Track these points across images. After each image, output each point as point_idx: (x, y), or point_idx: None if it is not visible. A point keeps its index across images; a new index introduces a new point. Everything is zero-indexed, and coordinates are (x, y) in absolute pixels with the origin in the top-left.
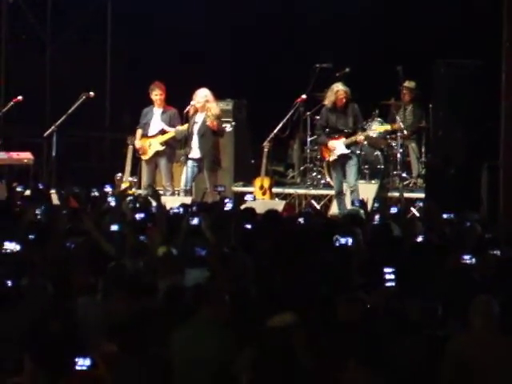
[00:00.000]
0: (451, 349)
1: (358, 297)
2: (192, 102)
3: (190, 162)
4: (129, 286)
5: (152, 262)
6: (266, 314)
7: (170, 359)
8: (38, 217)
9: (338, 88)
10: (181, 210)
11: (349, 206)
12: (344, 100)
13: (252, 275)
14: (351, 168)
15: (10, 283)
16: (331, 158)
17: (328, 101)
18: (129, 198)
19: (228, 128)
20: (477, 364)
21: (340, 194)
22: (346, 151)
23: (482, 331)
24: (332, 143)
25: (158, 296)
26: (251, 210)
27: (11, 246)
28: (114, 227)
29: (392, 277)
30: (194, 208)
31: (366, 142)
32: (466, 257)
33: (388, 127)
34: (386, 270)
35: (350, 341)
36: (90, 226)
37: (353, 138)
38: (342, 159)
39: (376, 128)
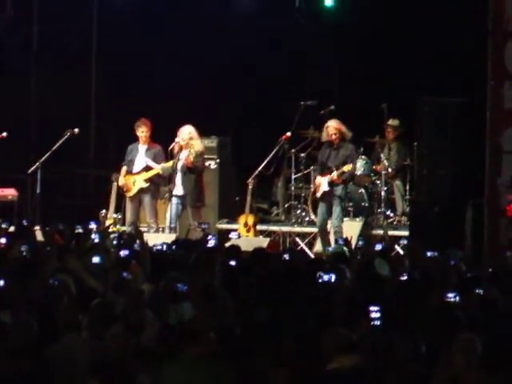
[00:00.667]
0: None
1: (342, 332)
2: (176, 139)
3: (174, 199)
4: (121, 323)
5: (136, 299)
6: (250, 351)
7: None
8: (24, 253)
9: (328, 124)
10: (164, 247)
11: (333, 244)
12: (334, 136)
13: (234, 312)
14: (335, 209)
15: None
16: (318, 195)
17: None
18: (113, 235)
19: (212, 165)
20: None
21: (323, 232)
22: (327, 189)
23: (465, 369)
24: (318, 179)
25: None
26: (236, 248)
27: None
28: (96, 259)
29: (377, 315)
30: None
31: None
32: (450, 295)
33: (350, 167)
34: (372, 308)
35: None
36: (74, 264)
37: (329, 177)
38: (327, 197)
39: (345, 168)
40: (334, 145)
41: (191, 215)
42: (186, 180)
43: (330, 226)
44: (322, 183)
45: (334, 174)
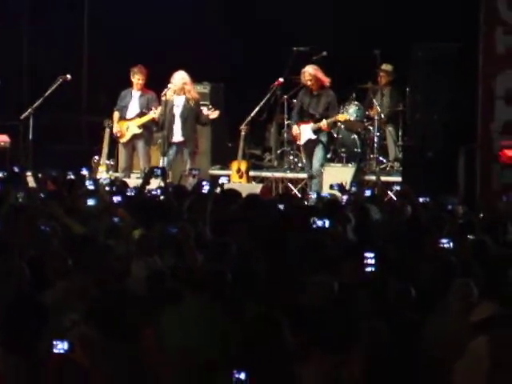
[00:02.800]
0: (428, 333)
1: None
2: (169, 85)
3: (173, 147)
4: (112, 269)
5: (126, 244)
6: (244, 299)
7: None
8: (20, 200)
9: (304, 70)
10: (158, 191)
11: (326, 189)
12: (309, 83)
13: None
14: (317, 153)
15: None
16: (300, 142)
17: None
18: (105, 181)
19: (212, 115)
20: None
21: (312, 177)
22: (313, 137)
23: (460, 315)
24: (295, 128)
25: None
26: (235, 192)
27: None
28: (91, 202)
29: (372, 261)
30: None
31: (342, 126)
32: (444, 241)
33: (346, 117)
34: (367, 254)
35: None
36: (57, 212)
37: (317, 125)
38: (311, 144)
39: (340, 117)
40: (314, 91)
41: (189, 161)
42: (185, 126)
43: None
44: (305, 131)
45: (324, 123)
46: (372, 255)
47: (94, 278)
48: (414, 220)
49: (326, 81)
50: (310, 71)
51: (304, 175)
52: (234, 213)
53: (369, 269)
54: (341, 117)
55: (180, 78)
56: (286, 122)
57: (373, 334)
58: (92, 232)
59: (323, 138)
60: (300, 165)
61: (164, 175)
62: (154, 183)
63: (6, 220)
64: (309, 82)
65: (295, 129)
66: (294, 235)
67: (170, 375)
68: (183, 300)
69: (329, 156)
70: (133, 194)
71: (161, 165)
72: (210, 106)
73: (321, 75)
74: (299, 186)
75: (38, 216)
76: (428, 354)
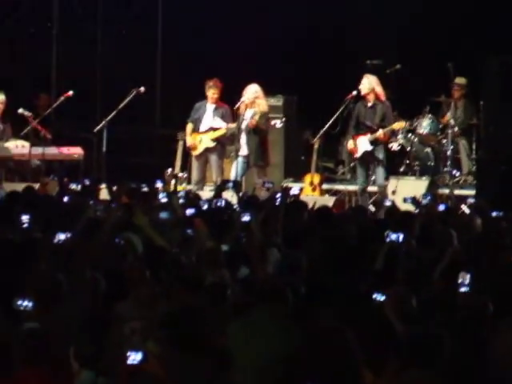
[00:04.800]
0: (498, 349)
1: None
2: (242, 99)
3: (239, 159)
4: (188, 281)
5: (201, 256)
6: (315, 313)
7: (228, 352)
8: (97, 213)
9: (363, 81)
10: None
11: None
12: (364, 93)
13: (302, 273)
14: (378, 170)
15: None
16: (357, 155)
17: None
18: (179, 194)
19: (278, 124)
20: None
21: (364, 191)
22: (369, 148)
23: None
24: (351, 143)
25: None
26: (301, 203)
27: (63, 237)
28: (164, 215)
29: (467, 282)
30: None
31: (416, 139)
32: None
33: (402, 124)
34: (463, 275)
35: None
36: (143, 221)
37: (375, 135)
38: (367, 157)
39: (395, 125)
40: (369, 103)
41: (256, 174)
42: (249, 140)
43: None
44: (362, 142)
45: (381, 132)
46: (468, 276)
47: (166, 289)
48: (486, 234)
49: (383, 95)
50: (365, 84)
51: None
52: (306, 225)
53: (463, 289)
54: (397, 125)
55: (253, 91)
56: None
57: (447, 349)
58: (167, 244)
59: (380, 155)
60: (373, 178)
61: (236, 188)
62: (227, 196)
63: (83, 232)
64: (364, 93)
65: (350, 143)
66: (369, 249)
67: None
68: (252, 312)
69: (401, 169)
70: (206, 206)
71: (232, 178)
72: (284, 119)
73: (379, 89)
74: (373, 198)
75: (116, 229)
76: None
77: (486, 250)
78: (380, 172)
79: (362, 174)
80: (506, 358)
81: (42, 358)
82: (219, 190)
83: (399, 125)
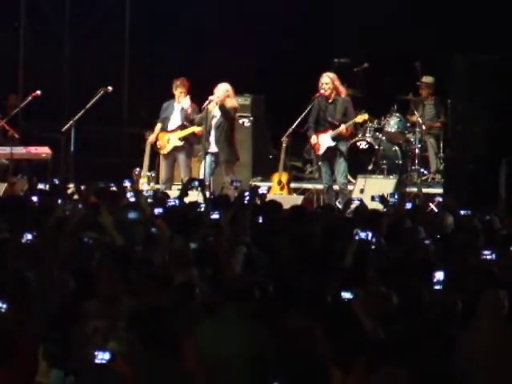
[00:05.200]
0: (462, 345)
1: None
2: (211, 97)
3: (208, 157)
4: (156, 279)
5: (165, 255)
6: (283, 311)
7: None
8: (66, 212)
9: (322, 75)
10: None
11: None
12: (325, 86)
13: (266, 271)
14: (339, 166)
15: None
16: (320, 152)
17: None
18: (147, 193)
19: (246, 123)
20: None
21: (330, 189)
22: (332, 144)
23: (491, 328)
24: (314, 138)
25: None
26: (277, 203)
27: (30, 237)
28: (132, 215)
29: (441, 279)
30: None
31: (384, 138)
32: (487, 252)
33: (365, 117)
34: (437, 273)
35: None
36: (107, 220)
37: (337, 130)
38: (330, 152)
39: (358, 118)
40: (330, 99)
41: (224, 171)
42: (218, 136)
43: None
44: (323, 139)
45: (343, 127)
46: (442, 274)
47: (133, 288)
48: (457, 232)
49: (343, 90)
50: (325, 80)
51: (350, 187)
52: (276, 224)
53: (438, 287)
54: (359, 118)
55: (224, 89)
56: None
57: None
58: (130, 242)
59: (342, 148)
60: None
61: (202, 186)
62: (194, 196)
63: (51, 232)
64: (325, 86)
65: (314, 138)
66: (337, 247)
67: None
68: (220, 311)
69: (369, 168)
70: (172, 204)
71: (201, 175)
72: (252, 118)
73: (338, 83)
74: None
75: (82, 228)
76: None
77: (456, 248)
78: (341, 168)
79: (326, 171)
80: (474, 355)
81: (8, 358)
82: (185, 188)
83: (362, 117)
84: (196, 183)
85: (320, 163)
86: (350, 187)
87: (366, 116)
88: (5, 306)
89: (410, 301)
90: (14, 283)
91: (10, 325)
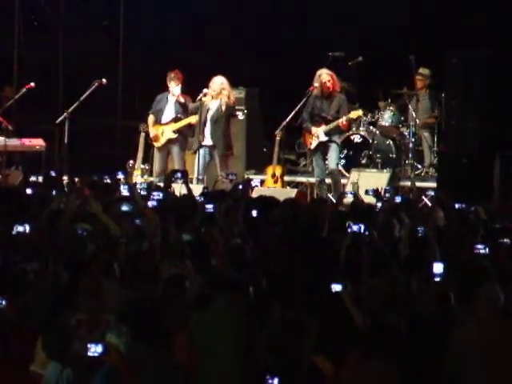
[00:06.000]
0: (456, 339)
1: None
2: (205, 90)
3: (202, 150)
4: (147, 273)
5: (154, 246)
6: (275, 302)
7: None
8: (61, 205)
9: (322, 72)
10: (201, 198)
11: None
12: (328, 83)
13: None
14: (331, 154)
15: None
16: (312, 146)
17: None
18: (141, 186)
19: (240, 116)
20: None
21: (322, 183)
22: (324, 139)
23: (486, 320)
24: (314, 129)
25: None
26: (274, 200)
27: (21, 229)
28: (125, 208)
29: (441, 272)
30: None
31: (377, 132)
32: (480, 246)
33: (360, 113)
34: (436, 265)
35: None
36: (97, 208)
37: (334, 123)
38: (322, 146)
39: (352, 114)
40: (326, 94)
41: (219, 165)
42: (215, 129)
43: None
44: (318, 133)
45: (343, 119)
46: (441, 266)
47: (123, 280)
48: (447, 226)
49: (338, 86)
50: (327, 72)
51: (343, 181)
52: (269, 217)
53: (437, 279)
54: (354, 113)
55: (219, 82)
56: None
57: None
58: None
59: (337, 139)
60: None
61: (185, 178)
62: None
63: (45, 224)
64: (328, 83)
65: (314, 130)
66: (329, 240)
67: (199, 377)
68: (212, 303)
69: (363, 161)
70: (159, 197)
71: (195, 169)
72: (246, 111)
73: (335, 80)
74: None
75: (76, 220)
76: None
77: (449, 241)
78: (333, 155)
79: (318, 165)
80: (464, 347)
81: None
82: (167, 181)
83: (356, 113)
84: (179, 175)
85: (313, 157)
86: (343, 181)
87: (360, 112)
88: (3, 302)
89: (401, 293)
90: (11, 275)
91: (7, 315)
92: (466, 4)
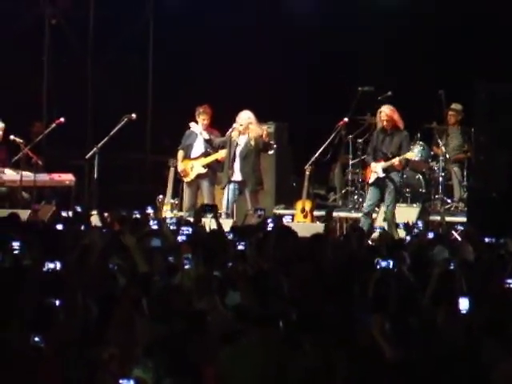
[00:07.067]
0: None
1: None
2: (234, 125)
3: (231, 185)
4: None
5: (204, 283)
6: (304, 338)
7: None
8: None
9: (382, 109)
10: (230, 234)
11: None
12: (385, 123)
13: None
14: (389, 196)
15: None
16: (370, 181)
17: (377, 121)
18: (170, 221)
19: (269, 151)
20: None
21: (368, 215)
22: (382, 175)
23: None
24: (374, 165)
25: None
26: (289, 229)
27: (52, 265)
28: (156, 242)
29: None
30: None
31: (407, 167)
32: (509, 280)
33: (413, 155)
34: (462, 300)
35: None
36: (130, 242)
37: (390, 162)
38: (380, 183)
39: (408, 155)
40: (387, 131)
41: (249, 200)
42: (245, 165)
43: (378, 212)
44: (377, 169)
45: (397, 160)
46: (467, 301)
47: (152, 315)
48: (477, 260)
49: (401, 123)
50: (386, 112)
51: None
52: (299, 252)
53: (464, 312)
54: (409, 155)
55: (246, 117)
56: (350, 162)
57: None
58: (155, 269)
59: (395, 177)
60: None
61: (215, 213)
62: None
63: (77, 259)
64: (385, 123)
65: (373, 166)
66: (360, 276)
67: None
68: (242, 338)
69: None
70: (189, 232)
71: (224, 204)
72: (275, 146)
73: (396, 117)
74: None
75: (107, 254)
76: None
77: (478, 275)
78: (391, 196)
79: (370, 199)
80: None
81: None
82: (198, 215)
83: (411, 155)
84: (209, 209)
85: (369, 189)
86: (374, 215)
87: (413, 154)
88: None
89: (428, 327)
90: (38, 311)
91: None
92: (495, 35)
